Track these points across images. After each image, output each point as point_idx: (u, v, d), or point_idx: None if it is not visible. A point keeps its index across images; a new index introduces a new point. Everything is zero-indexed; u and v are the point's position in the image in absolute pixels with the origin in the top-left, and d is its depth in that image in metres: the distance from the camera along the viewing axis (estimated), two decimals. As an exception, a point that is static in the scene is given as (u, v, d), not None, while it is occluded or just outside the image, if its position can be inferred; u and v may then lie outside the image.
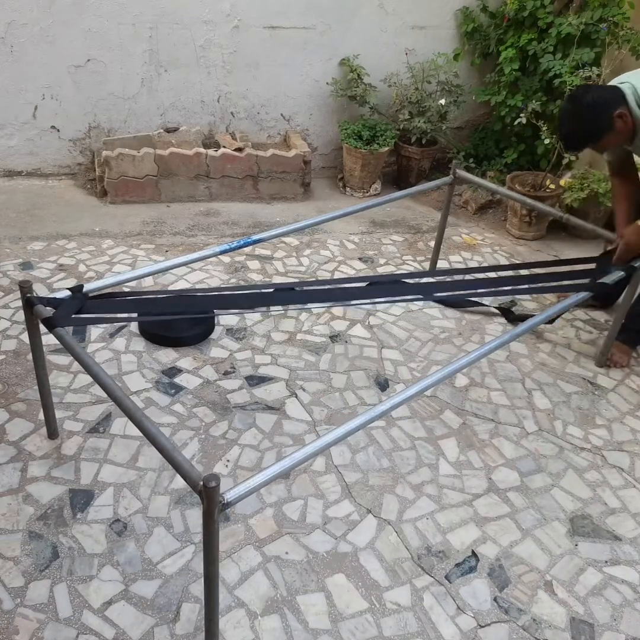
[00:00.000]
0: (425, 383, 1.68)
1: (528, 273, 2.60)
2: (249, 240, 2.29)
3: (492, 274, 2.86)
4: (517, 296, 3.04)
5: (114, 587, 1.71)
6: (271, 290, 2.37)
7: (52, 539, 1.81)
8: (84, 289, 1.88)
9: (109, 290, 2.00)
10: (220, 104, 3.95)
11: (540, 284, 2.48)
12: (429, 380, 1.69)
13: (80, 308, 1.84)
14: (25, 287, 1.78)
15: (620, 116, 2.16)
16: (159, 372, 2.45)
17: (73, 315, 1.82)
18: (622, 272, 2.33)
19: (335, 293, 2.34)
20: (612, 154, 2.46)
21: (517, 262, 3.42)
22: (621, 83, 2.24)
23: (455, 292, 2.45)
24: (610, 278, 2.29)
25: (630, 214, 2.46)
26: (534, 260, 3.34)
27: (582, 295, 2.18)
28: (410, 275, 2.78)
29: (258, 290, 2.38)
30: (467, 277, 3.13)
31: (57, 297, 1.83)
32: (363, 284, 2.39)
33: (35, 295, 1.79)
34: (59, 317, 1.74)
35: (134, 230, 3.40)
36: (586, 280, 2.32)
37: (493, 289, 2.43)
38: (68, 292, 1.86)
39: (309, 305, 2.78)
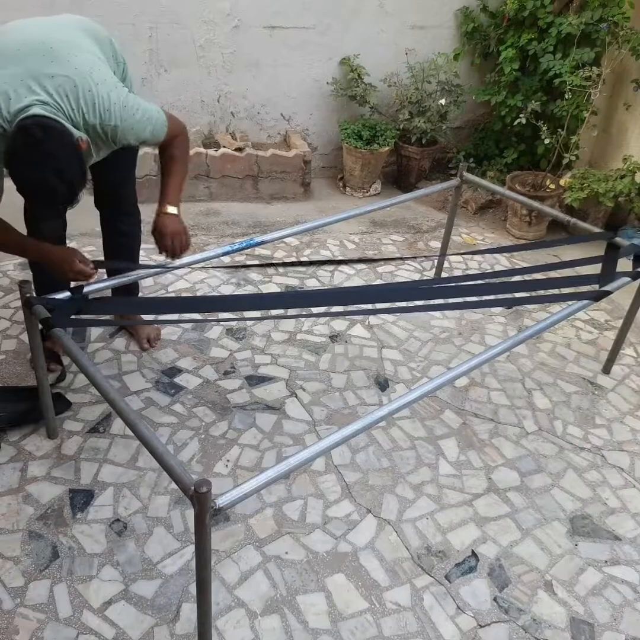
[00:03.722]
0: (426, 388, 1.67)
1: (531, 278, 2.57)
2: (251, 242, 2.29)
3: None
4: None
5: (114, 587, 1.71)
6: (276, 292, 2.36)
7: (52, 539, 1.81)
8: (84, 290, 1.88)
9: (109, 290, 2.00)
10: (220, 104, 3.95)
11: (543, 291, 2.44)
12: (429, 386, 1.68)
13: (80, 309, 1.85)
14: (25, 287, 1.78)
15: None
16: (159, 372, 2.45)
17: (72, 316, 1.82)
18: (629, 279, 2.24)
19: (345, 296, 2.32)
20: None
21: (517, 262, 3.42)
22: None
23: (461, 299, 2.42)
24: (614, 286, 2.19)
25: None
26: (535, 262, 3.35)
27: (586, 302, 2.11)
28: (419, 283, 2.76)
29: (259, 294, 2.37)
30: (473, 281, 3.12)
31: (56, 297, 1.83)
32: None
33: (34, 295, 1.80)
34: (58, 317, 1.74)
35: (134, 230, 3.40)
36: (590, 288, 2.26)
37: (500, 297, 2.39)
38: (68, 293, 1.86)
39: (318, 311, 2.76)
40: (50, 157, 1.57)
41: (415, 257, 2.80)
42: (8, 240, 1.86)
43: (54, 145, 1.58)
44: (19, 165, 1.60)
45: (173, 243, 2.01)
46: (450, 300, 2.18)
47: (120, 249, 2.41)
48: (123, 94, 1.76)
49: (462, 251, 3.37)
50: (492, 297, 2.43)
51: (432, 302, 2.17)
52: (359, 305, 2.68)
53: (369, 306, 2.73)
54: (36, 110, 1.60)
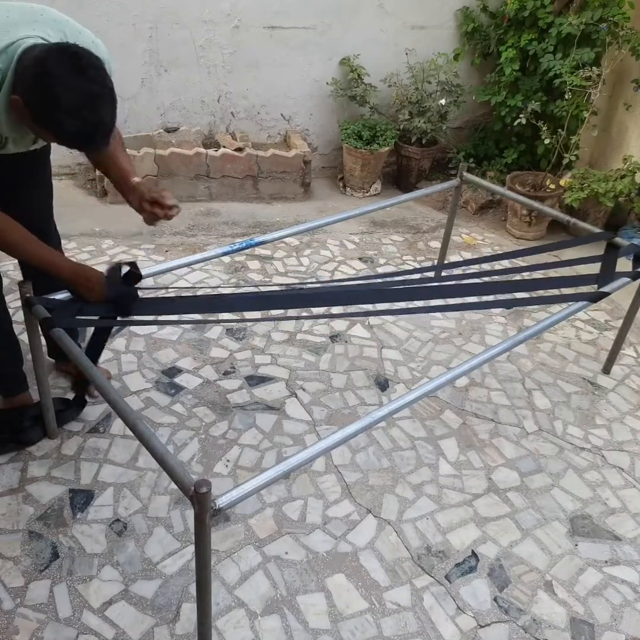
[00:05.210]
0: (426, 388, 1.67)
1: (530, 277, 2.58)
2: (251, 242, 2.29)
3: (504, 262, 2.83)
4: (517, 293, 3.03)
5: (114, 587, 1.71)
6: (274, 289, 2.36)
7: (52, 539, 1.81)
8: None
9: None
10: (220, 104, 3.95)
11: (542, 291, 2.45)
12: (429, 386, 1.68)
13: (80, 309, 1.84)
14: (24, 288, 1.78)
15: None
16: (159, 372, 2.45)
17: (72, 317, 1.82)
18: (628, 279, 2.25)
19: (345, 296, 2.31)
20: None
21: (517, 262, 3.41)
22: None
23: (461, 299, 2.42)
24: (613, 286, 2.19)
25: None
26: (535, 262, 3.34)
27: (584, 303, 2.11)
28: (418, 272, 2.75)
29: (258, 294, 2.36)
30: (472, 280, 3.12)
31: (56, 297, 1.83)
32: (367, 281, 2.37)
33: (34, 295, 1.79)
34: (58, 318, 1.74)
35: (134, 230, 3.40)
36: (590, 288, 2.26)
37: (500, 299, 2.37)
38: (68, 293, 1.86)
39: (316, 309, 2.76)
40: (105, 73, 1.43)
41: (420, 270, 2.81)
42: (38, 253, 1.72)
43: (100, 62, 1.43)
44: (78, 87, 1.38)
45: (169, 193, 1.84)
46: (451, 302, 2.18)
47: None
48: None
49: (462, 261, 3.37)
50: (491, 297, 2.43)
51: (432, 303, 2.17)
52: (359, 306, 2.68)
53: (370, 306, 2.73)
54: (33, 41, 1.44)
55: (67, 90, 1.37)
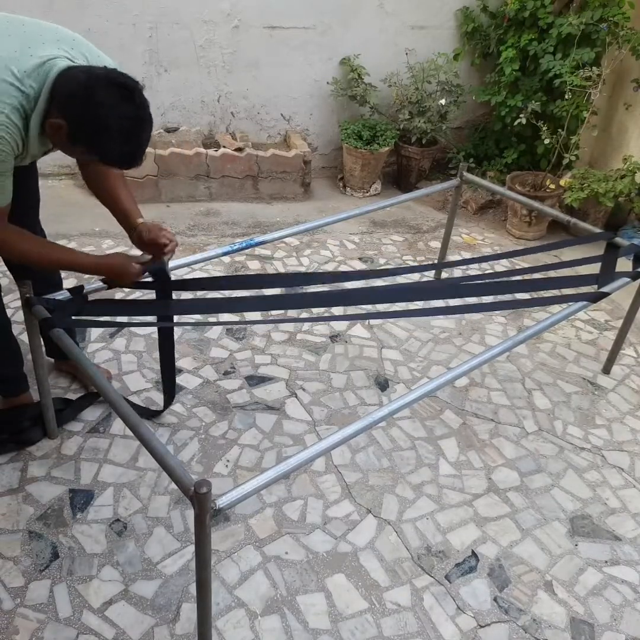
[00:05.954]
0: (426, 388, 1.67)
1: (530, 277, 2.58)
2: (251, 242, 2.29)
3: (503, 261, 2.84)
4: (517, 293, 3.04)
5: (114, 587, 1.71)
6: (277, 291, 2.34)
7: (52, 539, 1.81)
8: (84, 290, 1.88)
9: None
10: (220, 104, 3.95)
11: (542, 291, 2.45)
12: (429, 386, 1.68)
13: (80, 309, 1.84)
14: (24, 288, 1.78)
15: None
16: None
17: (72, 317, 1.82)
18: (628, 279, 2.24)
19: (346, 297, 2.31)
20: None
21: (517, 262, 3.42)
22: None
23: (462, 300, 2.42)
24: (613, 287, 2.19)
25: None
26: (535, 262, 3.34)
27: (584, 303, 2.11)
28: (418, 271, 2.76)
29: (261, 296, 2.35)
30: (473, 282, 3.13)
31: (56, 297, 1.83)
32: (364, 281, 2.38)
33: (34, 295, 1.79)
34: (58, 318, 1.74)
35: (134, 230, 3.40)
36: (590, 288, 2.26)
37: (499, 301, 2.37)
38: (67, 293, 1.86)
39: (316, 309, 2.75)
40: (144, 97, 1.52)
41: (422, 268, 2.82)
42: (55, 256, 1.74)
43: (139, 86, 1.51)
44: (129, 115, 1.46)
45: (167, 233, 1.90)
46: (451, 303, 2.19)
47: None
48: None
49: (461, 260, 3.37)
50: (491, 299, 2.43)
51: (432, 304, 2.17)
52: (360, 306, 2.68)
53: (370, 307, 2.73)
54: (64, 62, 1.47)
55: (119, 119, 1.45)
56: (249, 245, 2.29)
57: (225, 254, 2.24)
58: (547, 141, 3.60)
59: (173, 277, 2.99)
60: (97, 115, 1.44)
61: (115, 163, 1.56)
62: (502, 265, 3.38)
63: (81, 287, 1.88)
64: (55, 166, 3.87)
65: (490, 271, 3.30)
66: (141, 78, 3.69)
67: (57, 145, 1.59)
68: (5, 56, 1.44)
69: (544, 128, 3.56)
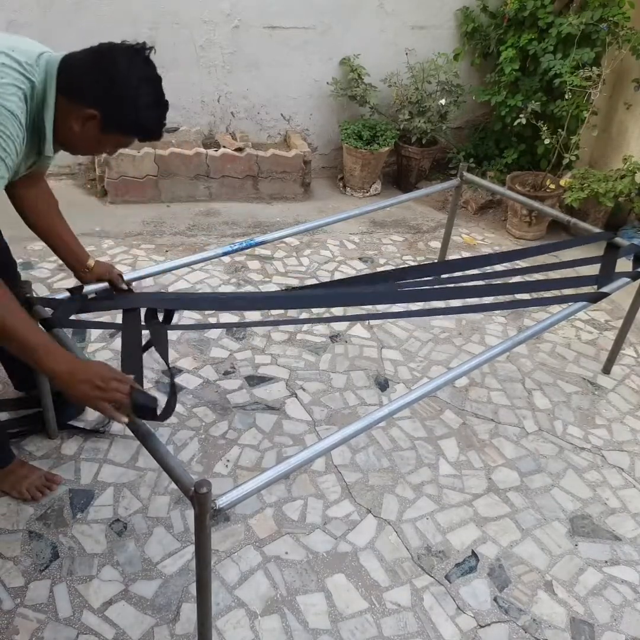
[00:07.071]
0: (426, 388, 1.67)
1: (531, 279, 2.58)
2: (251, 242, 2.30)
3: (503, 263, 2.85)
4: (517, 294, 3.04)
5: (114, 587, 1.71)
6: (279, 291, 2.34)
7: (52, 539, 1.81)
8: (84, 290, 1.88)
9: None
10: (220, 104, 3.95)
11: (542, 291, 2.45)
12: (429, 386, 1.68)
13: (80, 309, 1.84)
14: (24, 288, 1.78)
15: None
16: (159, 372, 2.45)
17: (72, 317, 1.82)
18: (628, 279, 2.24)
19: (346, 298, 2.31)
20: None
21: (517, 262, 3.41)
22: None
23: (461, 301, 2.42)
24: (613, 287, 2.19)
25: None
26: (534, 262, 3.34)
27: (584, 303, 2.11)
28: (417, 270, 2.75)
29: (264, 295, 2.35)
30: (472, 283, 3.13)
31: (56, 297, 1.83)
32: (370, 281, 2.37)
33: (34, 295, 1.79)
34: (58, 318, 1.74)
35: (134, 230, 3.40)
36: (590, 288, 2.26)
37: (499, 302, 2.37)
38: (68, 293, 1.86)
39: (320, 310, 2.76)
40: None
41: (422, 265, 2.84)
42: (18, 330, 1.32)
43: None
44: (158, 87, 1.44)
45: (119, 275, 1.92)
46: (451, 303, 2.19)
47: None
48: None
49: (461, 257, 3.37)
50: (491, 299, 2.43)
51: (432, 304, 2.17)
52: (360, 307, 2.68)
53: (370, 307, 2.73)
54: (58, 54, 1.43)
55: (147, 84, 1.41)
56: (249, 245, 2.29)
57: (225, 254, 2.25)
58: (547, 141, 3.60)
59: (173, 277, 3.02)
60: (127, 87, 1.38)
61: (154, 132, 1.50)
62: (502, 265, 3.38)
63: (81, 287, 1.88)
64: (55, 166, 3.87)
65: (490, 271, 3.30)
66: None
67: (78, 143, 1.53)
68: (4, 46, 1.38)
69: (544, 128, 3.56)
